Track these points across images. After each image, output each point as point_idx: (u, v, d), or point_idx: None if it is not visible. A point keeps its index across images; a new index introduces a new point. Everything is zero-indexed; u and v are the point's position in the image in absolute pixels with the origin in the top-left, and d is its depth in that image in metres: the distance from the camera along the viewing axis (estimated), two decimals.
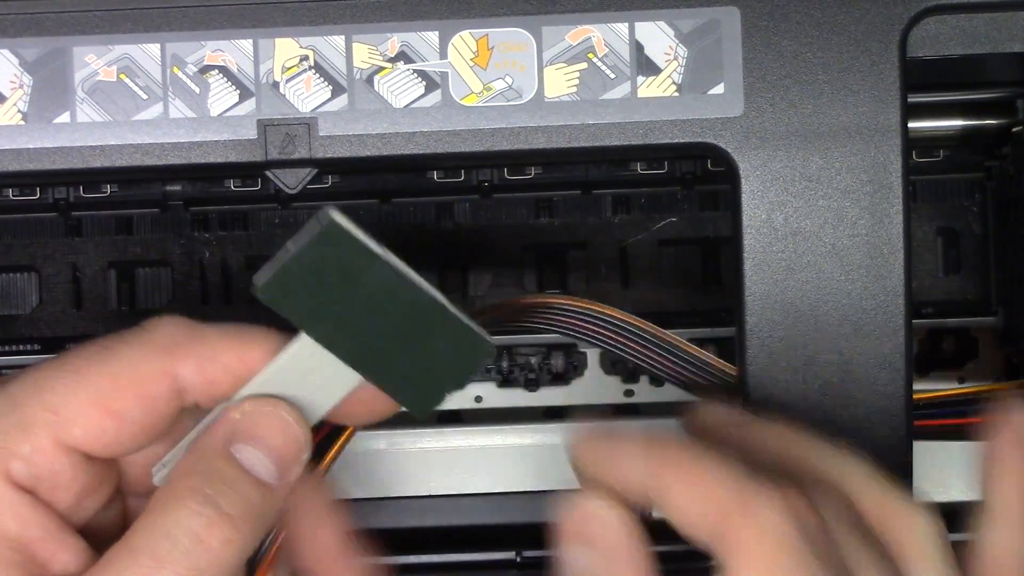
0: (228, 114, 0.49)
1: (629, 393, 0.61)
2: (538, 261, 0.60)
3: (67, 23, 0.48)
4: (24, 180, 0.55)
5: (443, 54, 0.49)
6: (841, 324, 0.49)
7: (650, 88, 0.49)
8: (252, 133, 0.49)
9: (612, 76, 0.49)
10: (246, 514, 0.41)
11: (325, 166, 0.49)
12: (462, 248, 0.59)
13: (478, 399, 0.60)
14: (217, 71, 0.49)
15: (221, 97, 0.49)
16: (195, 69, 0.48)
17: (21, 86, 0.48)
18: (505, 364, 0.60)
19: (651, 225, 0.59)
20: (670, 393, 0.57)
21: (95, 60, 0.48)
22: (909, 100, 0.49)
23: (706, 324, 0.58)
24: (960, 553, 0.43)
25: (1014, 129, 0.56)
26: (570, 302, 0.49)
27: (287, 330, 0.42)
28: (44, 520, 0.42)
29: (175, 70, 0.49)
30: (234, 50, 0.49)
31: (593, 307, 0.49)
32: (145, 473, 0.43)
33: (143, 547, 0.40)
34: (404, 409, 0.43)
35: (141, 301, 0.59)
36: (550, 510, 0.42)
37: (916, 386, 0.50)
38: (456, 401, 0.59)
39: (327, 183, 0.57)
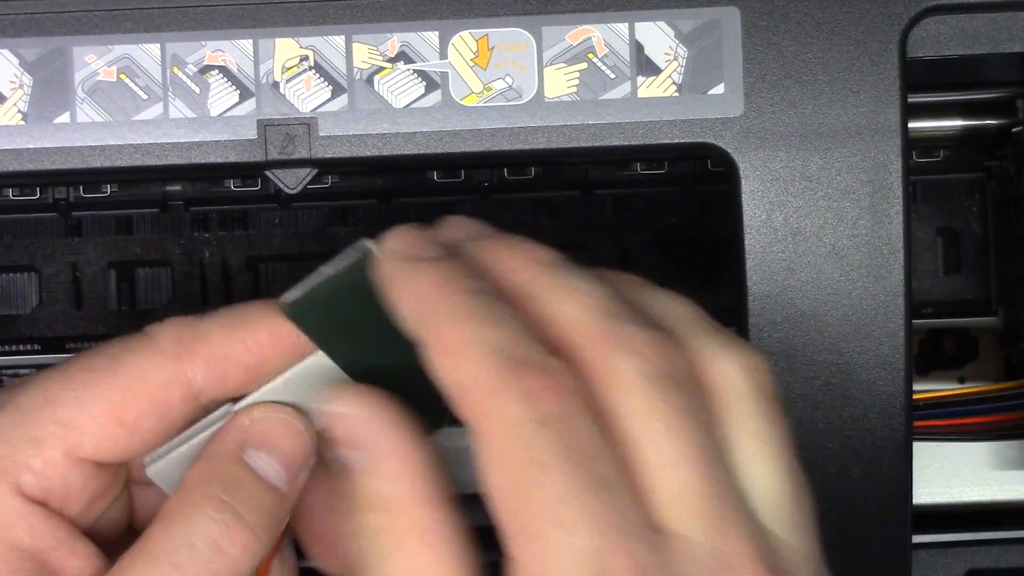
0: (228, 114, 0.49)
1: None
2: None
3: (67, 23, 0.48)
4: (24, 180, 0.55)
5: (443, 54, 0.49)
6: (841, 324, 0.49)
7: (650, 88, 0.49)
8: (252, 133, 0.49)
9: (612, 76, 0.49)
10: (262, 520, 0.41)
11: (325, 166, 0.49)
12: None
13: None
14: (217, 71, 0.49)
15: (221, 97, 0.49)
16: (195, 69, 0.48)
17: (21, 86, 0.48)
18: None
19: (651, 225, 0.59)
20: None
21: (95, 60, 0.48)
22: (909, 100, 0.49)
23: None
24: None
25: (1014, 129, 0.56)
26: None
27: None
28: (56, 529, 0.42)
29: (175, 70, 0.49)
30: (234, 50, 0.49)
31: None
32: None
33: (162, 554, 0.40)
34: None
35: (141, 301, 0.59)
36: None
37: (916, 386, 0.50)
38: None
39: (327, 183, 0.57)
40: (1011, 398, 0.56)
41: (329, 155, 0.49)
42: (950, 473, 0.60)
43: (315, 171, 0.49)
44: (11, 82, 0.48)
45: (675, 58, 0.49)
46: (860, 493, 0.49)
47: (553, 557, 0.36)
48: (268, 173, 0.49)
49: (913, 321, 0.49)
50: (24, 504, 0.41)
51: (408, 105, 0.49)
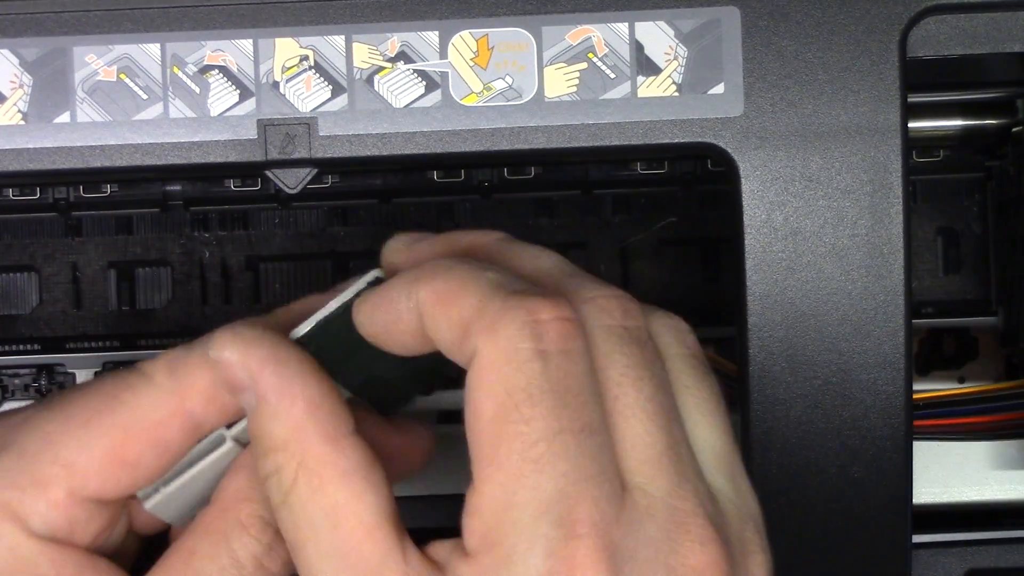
0: (228, 114, 0.49)
1: None
2: None
3: (67, 23, 0.48)
4: (24, 180, 0.55)
5: (443, 54, 0.49)
6: (841, 324, 0.49)
7: (650, 88, 0.49)
8: (252, 133, 0.49)
9: (612, 76, 0.49)
10: None
11: (325, 166, 0.49)
12: None
13: None
14: (217, 71, 0.49)
15: (221, 97, 0.49)
16: (195, 69, 0.48)
17: (21, 86, 0.48)
18: None
19: (651, 225, 0.59)
20: None
21: (95, 60, 0.48)
22: (909, 100, 0.49)
23: (706, 324, 0.58)
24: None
25: (1014, 129, 0.56)
26: None
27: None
28: (74, 556, 0.42)
29: (175, 70, 0.49)
30: (234, 50, 0.49)
31: None
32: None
33: (211, 574, 0.41)
34: None
35: (141, 301, 0.59)
36: None
37: (916, 386, 0.50)
38: (458, 400, 0.59)
39: (327, 183, 0.57)
40: (1011, 398, 0.56)
41: (329, 155, 0.49)
42: (950, 473, 0.60)
43: (315, 171, 0.49)
44: (11, 82, 0.48)
45: (675, 58, 0.49)
46: (860, 493, 0.49)
47: (521, 493, 0.37)
48: (268, 173, 0.49)
49: (913, 321, 0.49)
50: (38, 542, 0.42)
51: (408, 105, 0.49)
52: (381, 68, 0.49)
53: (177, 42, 0.48)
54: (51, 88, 0.48)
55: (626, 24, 0.49)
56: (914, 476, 0.50)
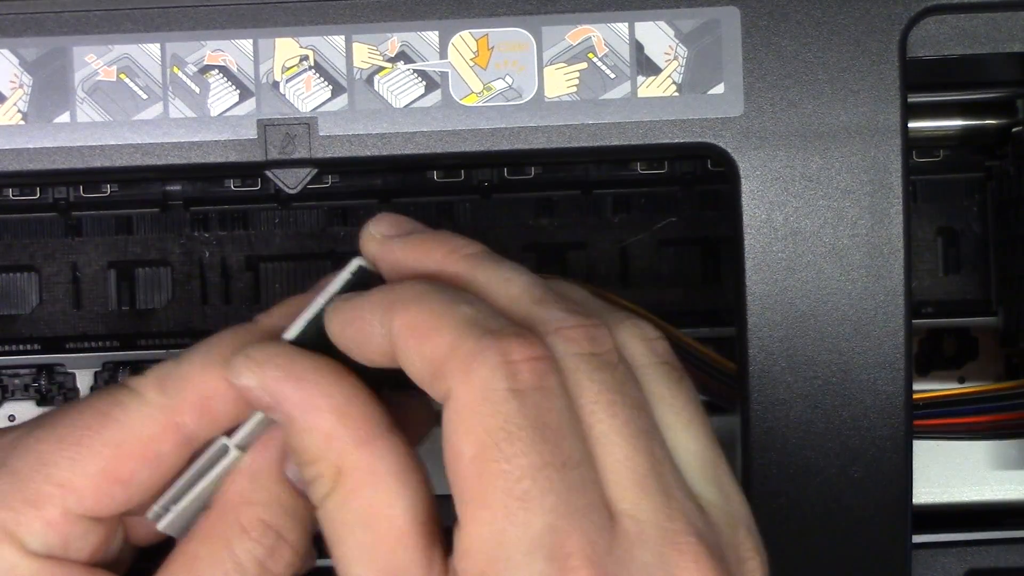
0: (228, 114, 0.49)
1: None
2: (538, 261, 0.59)
3: (67, 23, 0.48)
4: (24, 180, 0.55)
5: (443, 54, 0.49)
6: (841, 324, 0.49)
7: (650, 88, 0.49)
8: (252, 133, 0.49)
9: (612, 76, 0.49)
10: (301, 535, 0.42)
11: (325, 166, 0.49)
12: None
13: None
14: (217, 71, 0.49)
15: (221, 97, 0.49)
16: (195, 69, 0.48)
17: (21, 86, 0.48)
18: None
19: (651, 225, 0.59)
20: None
21: (95, 60, 0.48)
22: (909, 100, 0.49)
23: (706, 324, 0.58)
24: None
25: (1014, 129, 0.56)
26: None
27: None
28: (73, 573, 0.42)
29: (175, 70, 0.49)
30: (234, 50, 0.49)
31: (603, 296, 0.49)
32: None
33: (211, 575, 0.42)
34: None
35: (141, 301, 0.59)
36: None
37: (916, 386, 0.50)
38: None
39: (327, 183, 0.57)
40: (1011, 398, 0.56)
41: (329, 155, 0.49)
42: (950, 473, 0.60)
43: (315, 171, 0.49)
44: (11, 82, 0.48)
45: (675, 58, 0.49)
46: (860, 493, 0.49)
47: (510, 530, 0.36)
48: (268, 173, 0.49)
49: (913, 321, 0.49)
50: (36, 561, 0.42)
51: (408, 105, 0.49)
52: (381, 68, 0.49)
53: (177, 42, 0.48)
54: (51, 88, 0.48)
55: (626, 24, 0.49)
56: (914, 476, 0.50)
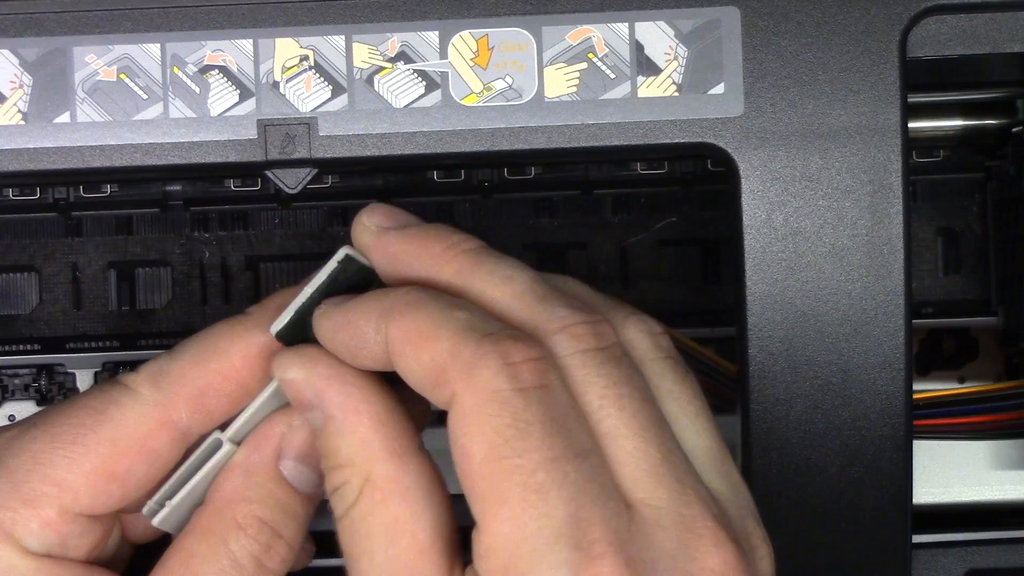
0: (228, 114, 0.49)
1: None
2: (538, 261, 0.59)
3: (67, 23, 0.48)
4: (24, 180, 0.55)
5: (443, 54, 0.49)
6: (841, 324, 0.49)
7: (650, 88, 0.49)
8: (252, 133, 0.49)
9: (612, 76, 0.49)
10: (296, 531, 0.43)
11: (325, 166, 0.49)
12: None
13: None
14: (217, 71, 0.49)
15: (221, 97, 0.49)
16: (195, 69, 0.48)
17: (21, 86, 0.48)
18: None
19: (651, 225, 0.59)
20: None
21: (95, 60, 0.48)
22: (909, 100, 0.49)
23: (706, 324, 0.58)
24: None
25: (1014, 129, 0.56)
26: None
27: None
28: (71, 571, 0.43)
29: (175, 70, 0.49)
30: (234, 50, 0.49)
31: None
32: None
33: (212, 574, 0.42)
34: None
35: (141, 301, 0.59)
36: None
37: (916, 386, 0.50)
38: None
39: (327, 183, 0.57)
40: (1011, 398, 0.56)
41: (329, 155, 0.49)
42: (950, 473, 0.60)
43: (315, 171, 0.49)
44: (11, 82, 0.48)
45: (675, 58, 0.49)
46: (860, 493, 0.49)
47: (531, 523, 0.36)
48: (268, 173, 0.49)
49: (913, 321, 0.49)
50: (34, 560, 0.42)
51: (408, 105, 0.49)
52: (381, 68, 0.49)
53: (177, 42, 0.48)
54: (51, 88, 0.48)
55: (626, 24, 0.49)
56: (914, 476, 0.50)
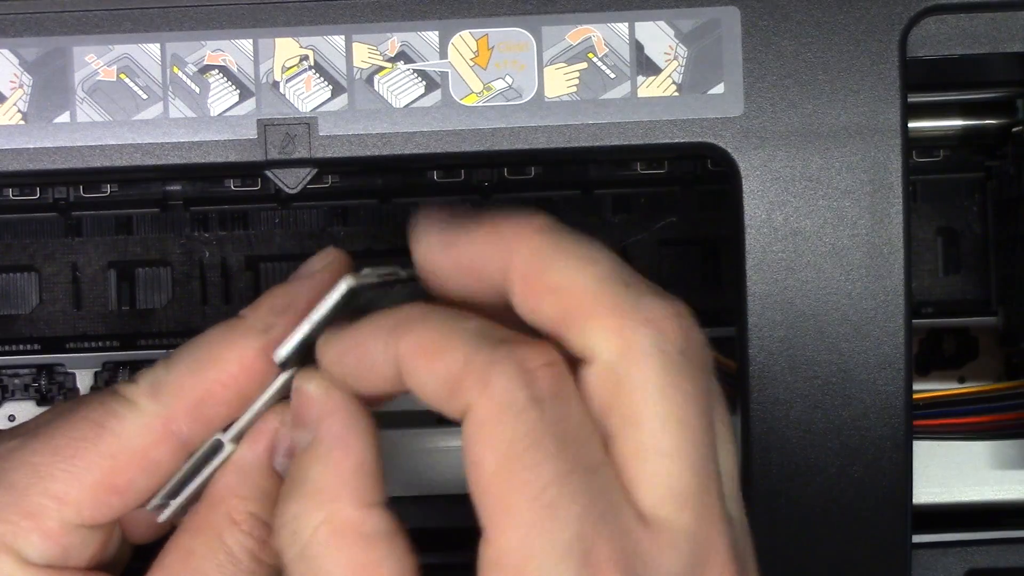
0: (228, 114, 0.49)
1: None
2: None
3: (67, 23, 0.48)
4: (24, 180, 0.55)
5: (443, 54, 0.49)
6: (841, 324, 0.49)
7: (650, 88, 0.49)
8: (252, 133, 0.49)
9: (612, 76, 0.49)
10: None
11: (325, 166, 0.49)
12: None
13: None
14: (217, 71, 0.49)
15: (221, 97, 0.49)
16: (195, 69, 0.48)
17: (21, 86, 0.48)
18: None
19: (651, 225, 0.59)
20: None
21: (95, 60, 0.48)
22: (909, 100, 0.49)
23: (706, 324, 0.58)
24: None
25: (1014, 129, 0.56)
26: None
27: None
28: None
29: (175, 70, 0.49)
30: (234, 50, 0.49)
31: None
32: None
33: (210, 570, 0.42)
34: None
35: (141, 301, 0.59)
36: None
37: (916, 386, 0.50)
38: None
39: (327, 183, 0.57)
40: (1011, 398, 0.56)
41: (329, 155, 0.49)
42: (950, 473, 0.60)
43: (315, 171, 0.49)
44: (11, 82, 0.48)
45: (675, 58, 0.49)
46: (860, 493, 0.49)
47: (539, 539, 0.36)
48: (268, 173, 0.49)
49: (913, 321, 0.49)
50: (35, 571, 0.42)
51: (408, 105, 0.49)
52: (381, 68, 0.49)
53: (177, 42, 0.48)
54: (51, 88, 0.48)
55: (626, 24, 0.49)
56: (914, 476, 0.50)
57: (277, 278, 0.59)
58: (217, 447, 0.43)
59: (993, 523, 0.58)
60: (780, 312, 0.49)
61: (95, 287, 0.59)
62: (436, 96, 0.49)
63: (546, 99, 0.49)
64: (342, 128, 0.49)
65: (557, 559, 0.36)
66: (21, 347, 0.58)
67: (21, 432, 0.44)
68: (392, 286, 0.42)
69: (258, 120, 0.49)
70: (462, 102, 0.49)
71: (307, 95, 0.49)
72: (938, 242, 0.60)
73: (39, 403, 0.59)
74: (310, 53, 0.49)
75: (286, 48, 0.49)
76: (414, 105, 0.49)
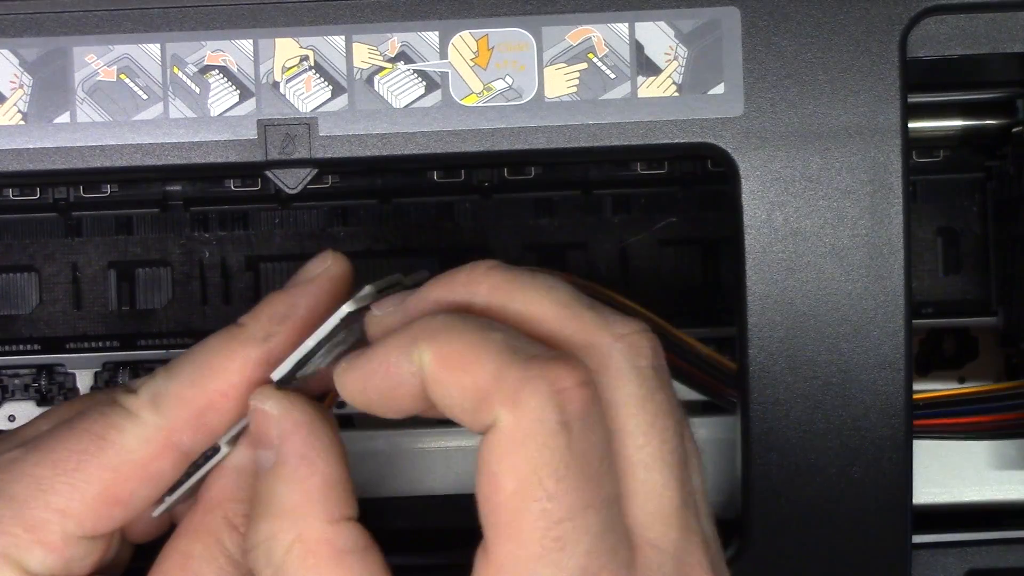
0: (228, 114, 0.49)
1: None
2: (538, 261, 0.59)
3: (67, 23, 0.48)
4: (24, 180, 0.55)
5: (443, 54, 0.49)
6: (841, 324, 0.49)
7: (650, 88, 0.49)
8: (252, 133, 0.49)
9: (612, 76, 0.49)
10: None
11: (325, 166, 0.49)
12: (462, 248, 0.59)
13: None
14: (217, 71, 0.49)
15: (221, 97, 0.49)
16: (195, 69, 0.48)
17: (21, 86, 0.48)
18: None
19: (651, 225, 0.59)
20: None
21: (95, 60, 0.48)
22: (909, 100, 0.49)
23: (706, 324, 0.58)
24: None
25: (1014, 129, 0.56)
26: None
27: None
28: None
29: (175, 70, 0.49)
30: (234, 50, 0.49)
31: (604, 294, 0.48)
32: None
33: (209, 572, 0.42)
34: None
35: (141, 301, 0.59)
36: None
37: (916, 386, 0.50)
38: None
39: (327, 183, 0.57)
40: (1011, 398, 0.56)
41: (329, 155, 0.49)
42: (950, 473, 0.60)
43: (315, 171, 0.49)
44: (11, 82, 0.48)
45: (675, 58, 0.49)
46: (860, 493, 0.49)
47: (540, 571, 0.36)
48: (268, 173, 0.49)
49: (913, 321, 0.49)
50: None
51: (408, 105, 0.49)
52: (381, 68, 0.49)
53: (177, 42, 0.48)
54: (51, 88, 0.48)
55: (626, 24, 0.49)
56: (914, 476, 0.50)
57: (277, 278, 0.59)
58: (215, 449, 0.43)
59: (993, 523, 0.58)
60: (780, 312, 0.49)
61: (95, 287, 0.59)
62: (436, 96, 0.49)
63: (546, 99, 0.49)
64: (342, 128, 0.49)
65: None
66: (21, 347, 0.58)
67: (20, 440, 0.44)
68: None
69: (258, 120, 0.49)
70: (462, 102, 0.49)
71: (307, 95, 0.49)
72: (938, 242, 0.60)
73: (39, 403, 0.59)
74: (310, 53, 0.49)
75: (286, 48, 0.49)
76: (414, 105, 0.49)
